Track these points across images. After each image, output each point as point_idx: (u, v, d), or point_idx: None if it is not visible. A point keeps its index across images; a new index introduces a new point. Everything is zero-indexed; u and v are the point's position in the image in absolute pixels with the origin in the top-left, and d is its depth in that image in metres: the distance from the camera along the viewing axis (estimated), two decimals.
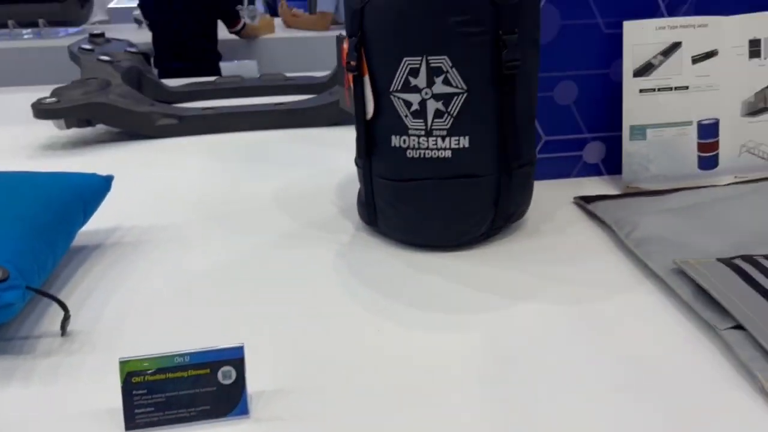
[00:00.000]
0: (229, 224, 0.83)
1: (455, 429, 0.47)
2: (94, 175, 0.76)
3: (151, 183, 1.00)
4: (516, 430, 0.47)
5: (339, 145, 1.15)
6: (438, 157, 0.69)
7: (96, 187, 0.75)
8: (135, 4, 3.95)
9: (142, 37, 2.92)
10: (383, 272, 0.70)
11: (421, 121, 0.68)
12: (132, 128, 1.20)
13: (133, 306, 0.65)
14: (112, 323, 0.61)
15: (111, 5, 4.70)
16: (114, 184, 0.97)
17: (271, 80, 1.56)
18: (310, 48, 2.91)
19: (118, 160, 1.12)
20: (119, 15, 4.24)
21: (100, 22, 4.59)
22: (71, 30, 2.98)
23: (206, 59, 2.65)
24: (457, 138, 0.68)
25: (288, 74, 1.62)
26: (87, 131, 1.27)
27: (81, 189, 0.72)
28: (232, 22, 2.80)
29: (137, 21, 3.25)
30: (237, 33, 2.86)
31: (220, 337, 0.57)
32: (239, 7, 3.40)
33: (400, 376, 0.53)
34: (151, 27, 2.73)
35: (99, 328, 0.61)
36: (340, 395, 0.51)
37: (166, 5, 2.63)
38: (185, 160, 1.11)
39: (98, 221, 0.83)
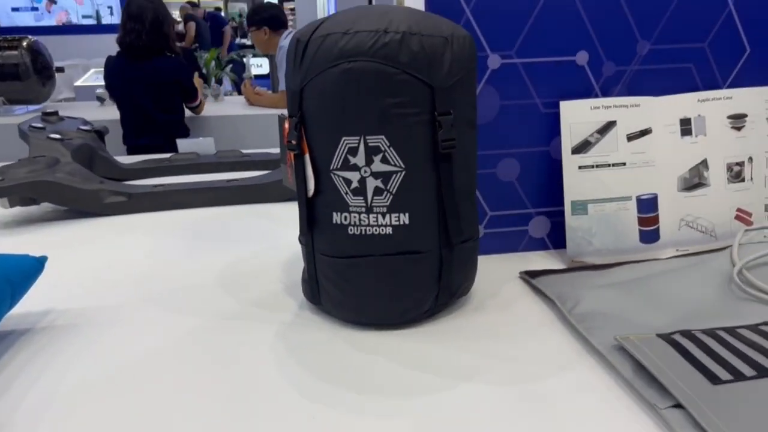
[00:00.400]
0: (169, 304, 0.81)
1: None
2: (25, 257, 0.74)
3: (93, 262, 0.97)
4: None
5: (290, 221, 1.14)
6: (379, 233, 0.69)
7: (26, 269, 0.73)
8: (100, 82, 3.99)
9: (105, 114, 2.94)
10: (323, 353, 0.68)
11: (361, 198, 0.68)
12: (79, 206, 1.18)
13: (55, 395, 0.61)
14: (30, 415, 0.58)
15: (77, 83, 4.75)
16: (53, 264, 0.94)
17: (227, 157, 1.57)
18: (271, 125, 2.96)
19: (62, 239, 1.09)
20: (85, 93, 4.28)
21: (66, 100, 4.62)
22: (31, 108, 2.99)
23: (173, 134, 2.69)
24: (397, 215, 0.68)
25: (245, 151, 1.63)
26: (33, 209, 1.24)
27: (8, 272, 0.69)
28: (190, 98, 2.86)
29: (100, 99, 3.28)
30: (193, 109, 2.92)
31: (143, 428, 0.54)
32: (204, 86, 3.47)
33: None
34: (118, 105, 2.76)
35: (15, 420, 0.57)
36: None
37: (134, 82, 2.67)
38: (132, 238, 1.09)
39: (30, 304, 0.80)
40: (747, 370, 0.57)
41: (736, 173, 0.91)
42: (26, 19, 6.45)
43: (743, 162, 0.91)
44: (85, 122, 1.54)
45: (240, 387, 0.62)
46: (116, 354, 0.69)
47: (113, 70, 2.72)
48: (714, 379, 0.56)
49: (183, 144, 1.68)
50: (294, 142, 0.70)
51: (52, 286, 0.87)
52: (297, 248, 0.99)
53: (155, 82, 2.69)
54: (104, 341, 0.72)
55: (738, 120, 0.90)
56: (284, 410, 0.58)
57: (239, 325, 0.75)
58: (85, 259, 0.98)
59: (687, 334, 0.63)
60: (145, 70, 2.67)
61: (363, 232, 0.69)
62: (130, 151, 2.71)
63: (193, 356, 0.68)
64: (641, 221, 0.88)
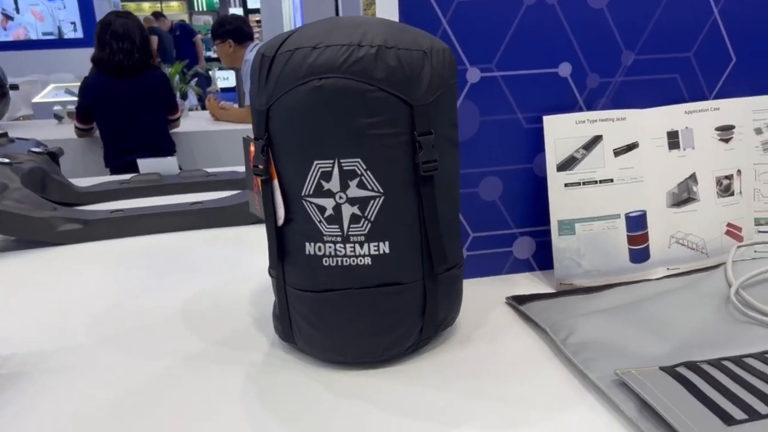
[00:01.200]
0: (128, 346, 0.74)
1: None
2: None
3: (44, 300, 0.89)
4: None
5: (259, 246, 1.07)
6: (357, 264, 0.63)
7: None
8: (59, 98, 3.86)
9: (64, 133, 2.83)
10: (297, 398, 0.61)
11: (337, 226, 0.62)
12: (29, 236, 1.10)
13: None
14: None
15: (35, 100, 4.60)
16: None
17: (191, 177, 1.49)
18: (238, 141, 2.89)
19: (10, 274, 1.00)
20: (43, 110, 4.14)
21: (25, 117, 4.47)
22: None
23: (161, 149, 2.61)
24: (376, 243, 0.63)
25: (209, 170, 1.56)
26: None
27: None
28: (173, 110, 2.83)
29: (57, 116, 3.16)
30: (174, 121, 2.87)
31: None
32: (180, 101, 3.39)
33: None
34: (100, 124, 2.67)
35: None
36: None
37: (121, 99, 2.59)
38: (87, 269, 1.01)
39: None
40: (761, 407, 0.52)
41: (725, 187, 0.87)
42: None
43: (732, 175, 0.88)
44: (38, 144, 1.45)
45: None
46: (70, 404, 0.61)
47: (93, 88, 2.62)
48: (728, 420, 0.51)
49: (144, 164, 1.60)
50: (261, 166, 0.64)
51: None
52: (268, 277, 0.93)
53: (145, 96, 2.65)
54: (53, 392, 0.64)
55: (726, 132, 0.87)
56: None
57: (205, 367, 0.68)
58: (35, 297, 0.90)
59: (692, 366, 0.58)
60: (133, 85, 2.61)
61: (339, 264, 0.63)
62: (115, 171, 2.62)
63: (155, 405, 0.61)
64: (631, 240, 0.84)
